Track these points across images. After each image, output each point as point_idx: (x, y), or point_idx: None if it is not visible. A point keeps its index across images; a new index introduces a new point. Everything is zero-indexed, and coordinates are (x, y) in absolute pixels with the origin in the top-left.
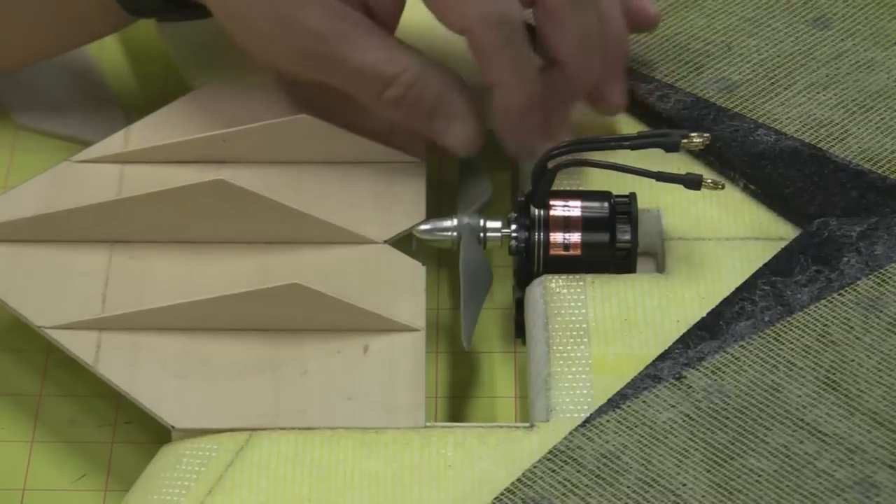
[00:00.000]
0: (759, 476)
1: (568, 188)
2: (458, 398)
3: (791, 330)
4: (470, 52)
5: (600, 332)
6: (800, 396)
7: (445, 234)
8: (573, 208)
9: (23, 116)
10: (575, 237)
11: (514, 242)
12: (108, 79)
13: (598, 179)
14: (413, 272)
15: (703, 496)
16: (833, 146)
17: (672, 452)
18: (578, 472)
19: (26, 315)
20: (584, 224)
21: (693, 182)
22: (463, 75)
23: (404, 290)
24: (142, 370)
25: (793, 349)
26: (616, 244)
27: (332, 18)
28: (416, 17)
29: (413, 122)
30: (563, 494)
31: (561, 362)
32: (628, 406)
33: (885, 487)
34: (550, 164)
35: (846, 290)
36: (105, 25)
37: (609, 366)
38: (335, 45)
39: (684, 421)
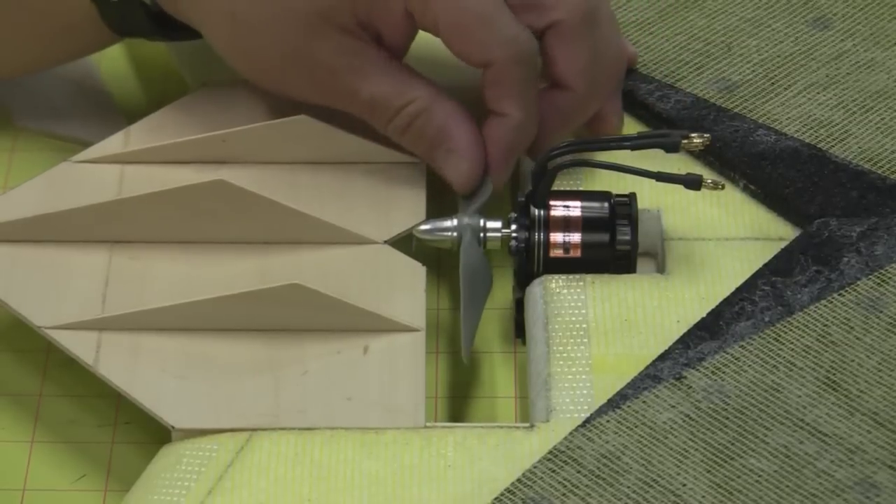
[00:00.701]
0: (759, 476)
1: (568, 188)
2: (458, 398)
3: (791, 330)
4: (488, 85)
5: (600, 332)
6: (800, 397)
7: (445, 234)
8: (573, 208)
9: (23, 117)
10: (575, 237)
11: (514, 243)
12: (109, 81)
13: (598, 179)
14: (413, 272)
15: (703, 496)
16: (833, 146)
17: (672, 453)
18: (578, 472)
19: (26, 315)
20: (584, 224)
21: (693, 182)
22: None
23: (404, 290)
24: (142, 370)
25: (793, 349)
26: (616, 244)
27: (343, 54)
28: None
29: (418, 151)
30: (563, 495)
31: (561, 362)
32: (628, 406)
33: (885, 487)
34: (550, 164)
35: (846, 291)
36: (96, 41)
37: (609, 366)
38: (346, 79)
39: (684, 421)
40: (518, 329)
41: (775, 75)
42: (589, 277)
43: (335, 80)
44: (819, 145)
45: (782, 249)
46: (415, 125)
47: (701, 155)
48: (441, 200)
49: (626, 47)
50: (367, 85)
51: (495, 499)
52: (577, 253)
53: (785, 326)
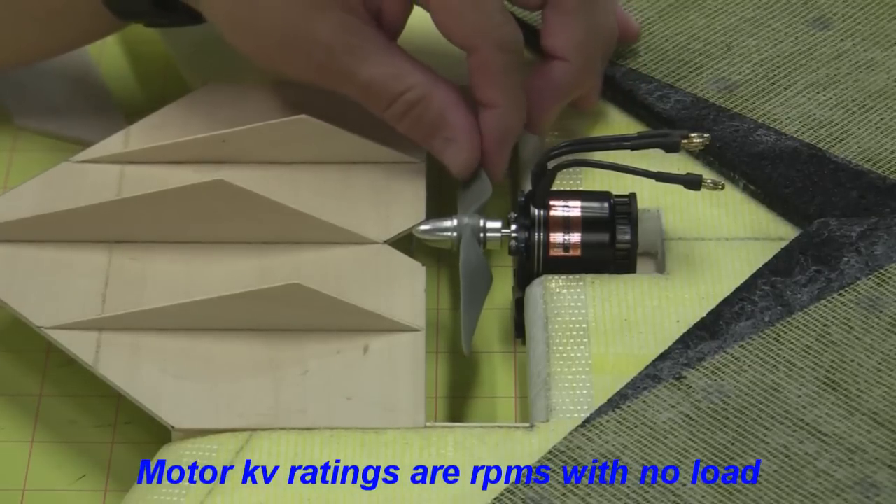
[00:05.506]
0: (759, 476)
1: (568, 188)
2: (458, 398)
3: (791, 330)
4: (472, 71)
5: (600, 332)
6: (800, 396)
7: (445, 234)
8: (573, 208)
9: (23, 117)
10: (575, 237)
11: (514, 242)
12: (109, 80)
13: (598, 179)
14: (413, 272)
15: (703, 496)
16: (833, 146)
17: (672, 452)
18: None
19: (26, 315)
20: (583, 224)
21: (693, 182)
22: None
23: (404, 290)
24: (142, 370)
25: (793, 349)
26: (616, 244)
27: (343, 32)
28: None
29: (415, 137)
30: (563, 495)
31: (561, 362)
32: (628, 406)
33: (885, 487)
34: (550, 164)
35: (846, 290)
36: (94, 27)
37: (609, 366)
38: (345, 59)
39: (684, 421)
40: (518, 329)
41: (775, 75)
42: (589, 277)
43: (333, 60)
44: (819, 145)
45: (782, 249)
46: (412, 113)
47: (701, 155)
48: (441, 200)
49: (628, 21)
50: (365, 67)
51: (495, 499)
52: (577, 253)
53: (785, 326)
